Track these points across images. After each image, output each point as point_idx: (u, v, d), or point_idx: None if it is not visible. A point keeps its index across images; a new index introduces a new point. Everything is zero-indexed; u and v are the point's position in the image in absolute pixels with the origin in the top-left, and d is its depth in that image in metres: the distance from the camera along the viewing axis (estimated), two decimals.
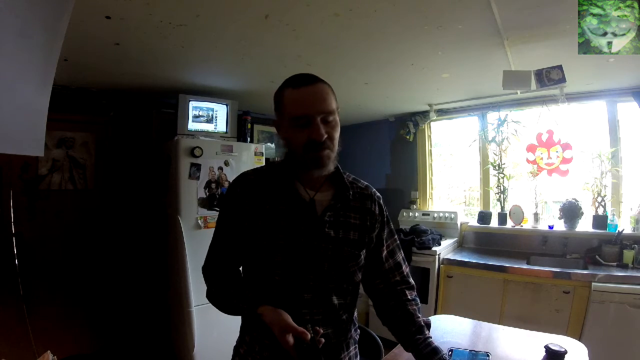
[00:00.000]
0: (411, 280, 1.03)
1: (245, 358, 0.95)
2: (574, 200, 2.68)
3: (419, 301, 1.01)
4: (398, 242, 1.04)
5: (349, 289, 0.96)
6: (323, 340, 0.77)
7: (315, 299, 0.89)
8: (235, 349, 0.99)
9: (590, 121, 2.85)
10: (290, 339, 0.74)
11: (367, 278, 1.02)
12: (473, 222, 3.25)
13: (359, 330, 1.06)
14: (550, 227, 2.80)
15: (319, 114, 0.83)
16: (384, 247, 1.00)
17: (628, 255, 2.33)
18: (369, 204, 0.98)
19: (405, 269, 1.03)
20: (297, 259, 0.87)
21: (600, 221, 2.59)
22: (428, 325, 0.97)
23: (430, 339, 0.93)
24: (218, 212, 0.97)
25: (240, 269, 0.97)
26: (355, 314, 1.03)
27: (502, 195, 3.09)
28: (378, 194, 1.02)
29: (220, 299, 0.92)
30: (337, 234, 0.91)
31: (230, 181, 2.72)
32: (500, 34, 1.73)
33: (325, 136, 0.84)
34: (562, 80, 1.87)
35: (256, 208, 0.89)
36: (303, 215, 0.89)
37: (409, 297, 0.99)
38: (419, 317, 0.97)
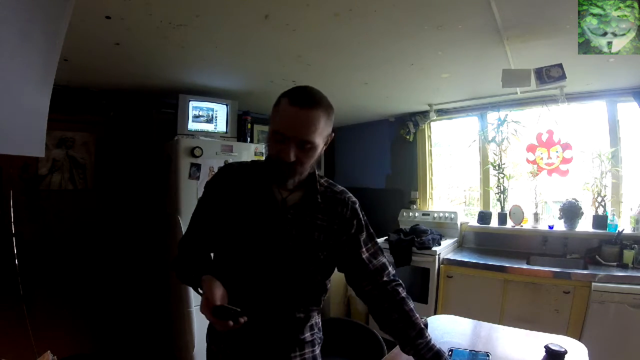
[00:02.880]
0: (398, 279, 1.04)
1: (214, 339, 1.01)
2: (574, 200, 2.68)
3: (410, 298, 1.01)
4: (379, 246, 1.05)
5: (308, 290, 0.97)
6: (243, 319, 0.78)
7: (271, 292, 0.93)
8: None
9: (590, 121, 2.85)
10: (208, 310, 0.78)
11: (354, 283, 1.03)
12: (473, 222, 3.25)
13: (321, 337, 1.06)
14: (550, 227, 2.80)
15: (295, 138, 0.85)
16: (363, 249, 1.01)
17: (628, 255, 2.33)
18: (340, 208, 0.99)
19: (392, 270, 1.04)
20: (257, 252, 0.92)
21: (600, 221, 2.59)
22: (426, 325, 0.98)
23: (432, 342, 0.94)
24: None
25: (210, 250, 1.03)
26: (318, 320, 1.05)
27: (502, 195, 3.09)
28: (354, 199, 1.04)
29: (179, 267, 0.99)
30: (300, 233, 0.94)
31: None
32: (500, 34, 1.73)
33: (294, 159, 0.85)
34: (562, 77, 1.86)
35: (230, 198, 0.95)
36: (269, 212, 0.93)
37: (402, 294, 0.99)
38: (416, 317, 0.97)
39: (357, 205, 1.03)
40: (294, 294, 0.95)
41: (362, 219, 1.03)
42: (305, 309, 0.98)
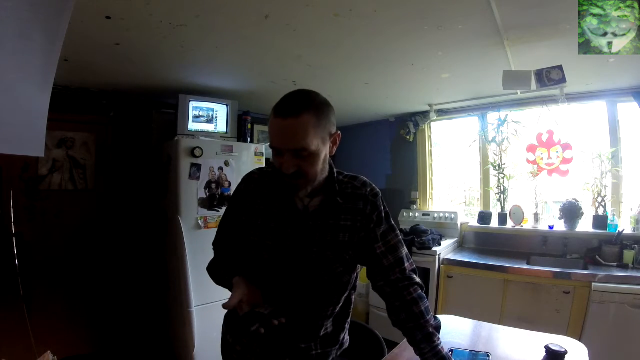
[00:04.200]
0: (415, 276, 1.00)
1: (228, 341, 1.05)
2: (574, 200, 2.68)
3: (425, 298, 0.98)
4: (400, 238, 1.02)
5: (336, 290, 0.98)
6: (277, 322, 0.82)
7: (299, 295, 0.94)
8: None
9: (590, 121, 2.85)
10: (244, 307, 0.83)
11: (370, 277, 1.02)
12: (473, 222, 3.25)
13: (345, 341, 1.08)
14: (550, 227, 2.80)
15: (287, 149, 0.84)
16: (379, 243, 0.98)
17: (628, 255, 2.33)
18: (361, 204, 0.98)
19: (409, 265, 1.00)
20: (282, 259, 0.93)
21: (600, 221, 2.59)
22: (438, 328, 0.96)
23: (438, 347, 0.92)
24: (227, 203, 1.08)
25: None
26: (345, 328, 1.06)
27: (502, 195, 3.09)
28: (375, 191, 1.01)
29: (214, 270, 1.02)
30: (324, 236, 0.94)
31: (231, 181, 2.75)
32: (500, 34, 1.73)
33: (294, 170, 0.85)
34: (562, 80, 1.87)
35: (253, 206, 0.96)
36: (291, 219, 0.94)
37: (414, 294, 0.96)
38: (426, 319, 0.94)
39: (377, 197, 1.00)
40: (320, 295, 0.96)
41: (382, 211, 1.00)
42: (332, 308, 0.99)
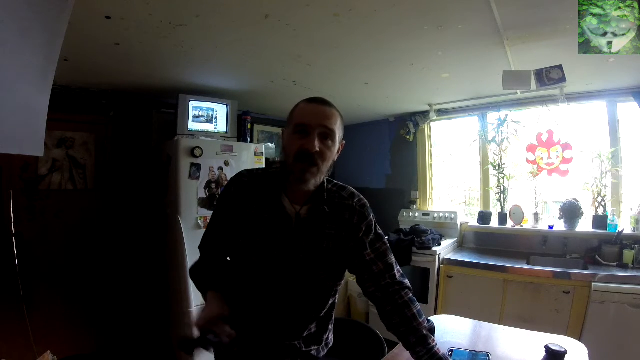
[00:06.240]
0: (405, 281, 1.03)
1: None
2: (574, 200, 2.68)
3: (416, 302, 1.00)
4: (388, 247, 1.05)
5: (319, 295, 1.00)
6: (227, 340, 0.81)
7: (285, 298, 0.96)
8: None
9: (590, 121, 2.85)
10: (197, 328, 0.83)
11: (361, 283, 1.04)
12: (473, 222, 3.25)
13: (330, 341, 1.10)
14: (550, 227, 2.80)
15: (318, 127, 0.89)
16: (368, 251, 1.01)
17: (628, 255, 2.33)
18: (348, 215, 1.00)
19: (397, 272, 1.03)
20: (269, 262, 0.94)
21: (600, 221, 2.59)
22: (432, 330, 0.97)
23: (434, 349, 0.92)
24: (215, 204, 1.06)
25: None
26: (329, 329, 1.08)
27: (502, 195, 3.09)
28: (363, 202, 1.04)
29: (196, 276, 1.02)
30: (310, 244, 0.95)
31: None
32: (500, 34, 1.73)
33: (317, 149, 0.88)
34: (562, 79, 1.87)
35: (243, 210, 0.97)
36: (281, 225, 0.95)
37: (405, 298, 0.98)
38: (419, 322, 0.96)
39: (365, 207, 1.03)
40: (305, 300, 0.97)
41: (370, 220, 1.03)
42: (316, 312, 1.01)
